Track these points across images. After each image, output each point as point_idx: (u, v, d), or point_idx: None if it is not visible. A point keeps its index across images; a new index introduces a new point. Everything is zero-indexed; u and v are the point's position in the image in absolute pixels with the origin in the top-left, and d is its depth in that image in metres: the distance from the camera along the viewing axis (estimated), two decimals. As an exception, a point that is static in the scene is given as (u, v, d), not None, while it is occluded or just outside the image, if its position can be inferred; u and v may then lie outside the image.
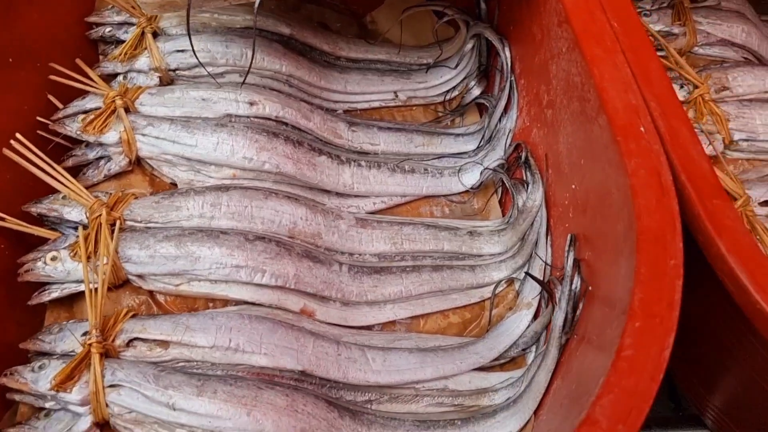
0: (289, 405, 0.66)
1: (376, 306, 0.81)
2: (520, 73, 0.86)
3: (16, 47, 0.83)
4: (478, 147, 0.93)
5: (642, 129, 0.56)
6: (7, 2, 0.81)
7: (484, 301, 0.83)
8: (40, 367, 0.65)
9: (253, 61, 0.90)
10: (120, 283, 0.74)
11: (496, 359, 0.78)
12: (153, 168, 0.84)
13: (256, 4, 0.71)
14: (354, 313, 0.80)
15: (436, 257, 0.85)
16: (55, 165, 0.76)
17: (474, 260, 0.85)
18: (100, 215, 0.74)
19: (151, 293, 0.76)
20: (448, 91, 0.99)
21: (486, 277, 0.84)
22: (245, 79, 0.85)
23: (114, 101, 0.83)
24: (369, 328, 0.81)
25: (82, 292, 0.73)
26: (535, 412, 0.70)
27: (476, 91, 0.97)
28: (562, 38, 0.68)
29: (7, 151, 0.75)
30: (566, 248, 0.70)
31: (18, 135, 0.76)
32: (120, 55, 0.90)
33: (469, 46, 0.95)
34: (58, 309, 0.75)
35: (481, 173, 0.90)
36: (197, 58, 0.84)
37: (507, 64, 0.88)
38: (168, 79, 0.91)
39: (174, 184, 0.84)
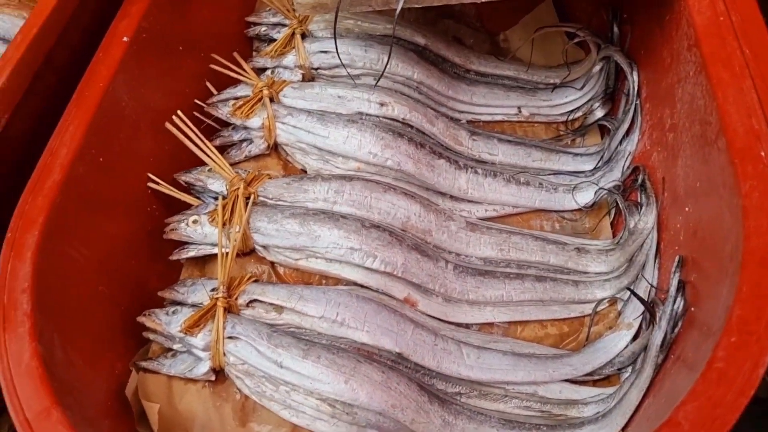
0: (383, 381, 0.71)
1: (476, 306, 0.84)
2: (646, 97, 0.87)
3: (186, 38, 0.95)
4: (595, 167, 0.94)
5: (762, 154, 0.56)
6: (182, 2, 0.93)
7: (584, 317, 0.84)
8: (173, 312, 0.74)
9: (388, 66, 0.97)
10: (247, 251, 0.83)
11: (589, 374, 0.78)
12: (287, 154, 0.93)
13: (397, 10, 0.77)
14: (454, 310, 0.83)
15: (541, 268, 0.87)
16: (206, 141, 0.86)
17: (578, 276, 0.86)
18: (238, 188, 0.83)
19: (272, 264, 0.83)
20: (571, 111, 1.01)
21: (589, 294, 0.85)
22: (378, 81, 0.91)
23: (261, 91, 0.92)
24: (467, 326, 0.84)
25: (215, 255, 0.82)
26: (623, 429, 0.70)
27: (600, 113, 0.98)
28: (691, 62, 0.69)
29: (168, 125, 0.86)
30: (672, 270, 0.70)
31: (179, 112, 0.86)
32: (271, 51, 1.00)
33: (598, 68, 0.97)
34: (192, 267, 0.85)
35: (595, 193, 0.91)
36: (339, 59, 0.92)
37: (634, 88, 0.89)
38: (310, 76, 1.00)
39: (304, 171, 0.92)
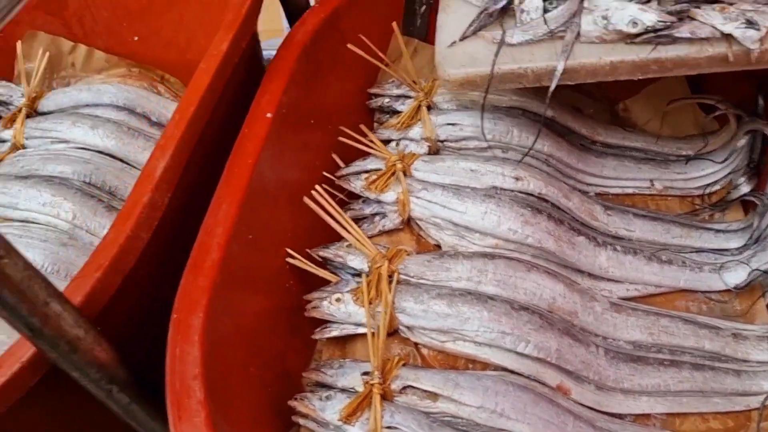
0: (550, 480, 0.66)
1: (631, 395, 0.79)
2: (805, 174, 0.83)
3: (316, 111, 0.95)
4: (744, 245, 0.89)
5: None
6: (318, 72, 0.94)
7: (750, 410, 0.78)
8: (327, 398, 0.71)
9: (518, 139, 0.96)
10: (391, 331, 0.80)
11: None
12: (421, 228, 0.90)
13: (551, 89, 0.76)
14: (608, 399, 0.78)
15: (696, 355, 0.82)
16: (345, 216, 0.84)
17: (739, 365, 0.81)
18: (381, 266, 0.80)
19: (416, 345, 0.80)
20: (709, 185, 0.97)
21: (754, 386, 0.79)
22: (523, 158, 0.89)
23: (395, 165, 0.91)
24: (621, 416, 0.78)
25: (357, 335, 0.79)
26: None
27: (745, 188, 0.94)
28: None
29: (306, 200, 0.84)
30: None
31: (317, 187, 0.85)
32: (397, 123, 0.99)
33: (743, 142, 0.93)
34: (332, 346, 0.82)
35: (749, 274, 0.86)
36: (484, 136, 0.89)
37: (788, 163, 0.85)
38: (436, 148, 0.98)
39: (438, 246, 0.90)
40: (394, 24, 0.97)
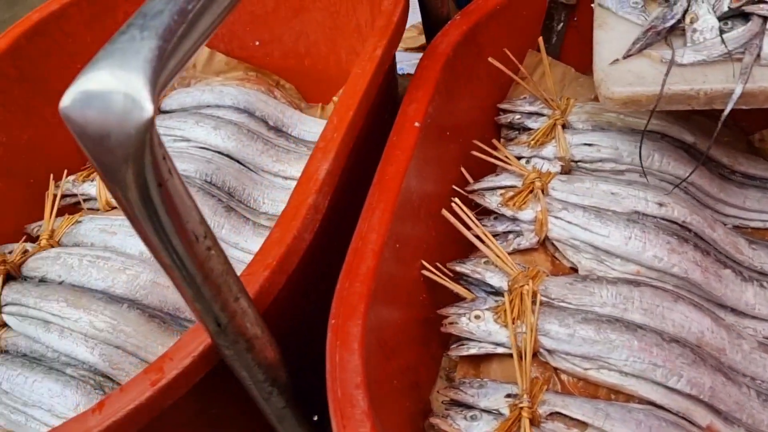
0: None
1: (786, 442, 0.74)
2: None
3: (451, 124, 0.93)
4: None
5: None
6: (456, 85, 0.92)
7: None
8: (473, 418, 0.68)
9: (659, 164, 0.92)
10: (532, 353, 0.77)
11: None
12: (557, 249, 0.87)
13: (725, 114, 0.72)
14: (762, 444, 0.74)
15: None
16: (485, 231, 0.82)
17: None
18: (524, 285, 0.78)
19: (555, 370, 0.77)
20: None
21: None
22: (674, 188, 0.86)
23: (533, 182, 0.88)
24: (774, 465, 0.73)
25: (493, 354, 0.77)
26: None
27: None
28: None
29: (445, 212, 0.83)
30: None
31: (457, 200, 0.83)
32: (530, 140, 0.97)
33: None
34: (466, 364, 0.80)
35: None
36: (641, 162, 0.87)
37: None
38: (568, 168, 0.95)
39: (573, 269, 0.86)
40: (540, 39, 0.95)
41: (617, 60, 0.76)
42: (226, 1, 0.45)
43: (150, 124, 0.37)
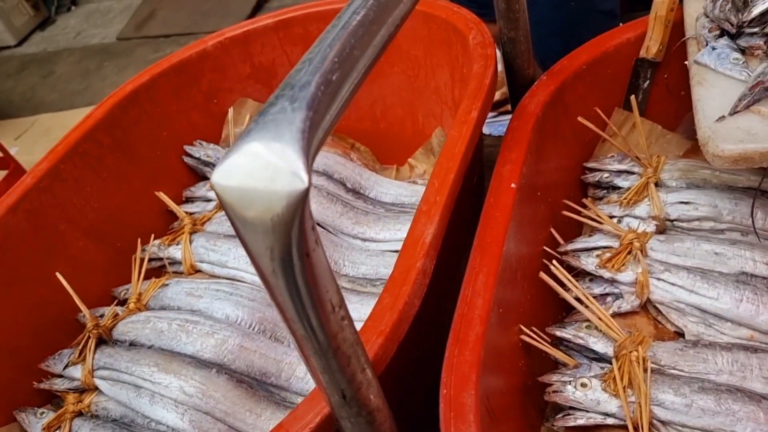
0: None
1: None
2: None
3: (541, 183, 0.92)
4: None
5: None
6: (545, 144, 0.91)
7: None
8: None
9: (763, 222, 0.88)
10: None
11: None
12: (660, 312, 0.84)
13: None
14: None
15: None
16: (586, 294, 0.80)
17: None
18: (632, 351, 0.74)
19: (671, 444, 0.72)
20: None
21: None
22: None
23: (632, 243, 0.85)
24: None
25: (601, 426, 0.73)
26: None
27: None
28: None
29: (543, 275, 0.81)
30: None
31: (554, 262, 0.81)
32: (623, 200, 0.94)
33: None
34: (572, 437, 0.76)
35: None
36: (753, 221, 0.83)
37: None
38: (663, 227, 0.92)
39: (678, 333, 0.82)
40: (632, 98, 0.94)
41: (723, 117, 0.74)
42: (363, 68, 0.45)
43: (305, 195, 0.37)
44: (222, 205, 0.39)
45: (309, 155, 0.38)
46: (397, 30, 0.50)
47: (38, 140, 2.65)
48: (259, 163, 0.38)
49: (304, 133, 0.38)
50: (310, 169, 0.37)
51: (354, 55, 0.44)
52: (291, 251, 0.39)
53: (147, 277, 1.07)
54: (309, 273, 0.40)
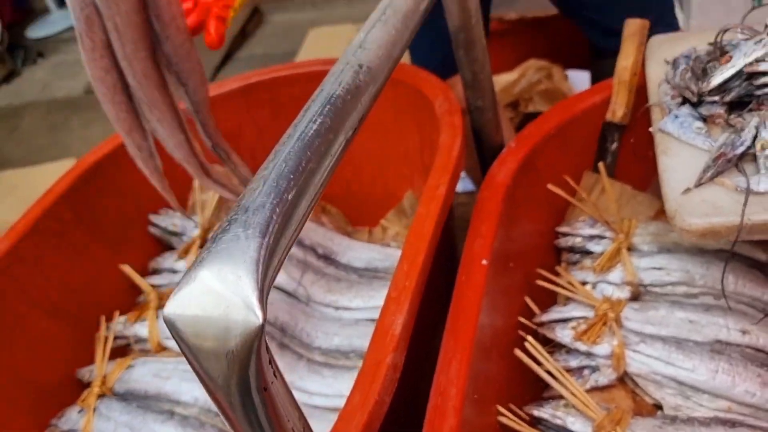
0: None
1: None
2: None
3: (513, 253, 0.91)
4: None
5: None
6: (516, 213, 0.91)
7: None
8: None
9: (734, 286, 0.88)
10: None
11: None
12: (637, 385, 0.82)
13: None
14: None
15: None
16: (561, 371, 0.78)
17: None
18: (610, 431, 0.72)
19: None
20: None
21: None
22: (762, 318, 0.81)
23: (606, 314, 0.84)
24: None
25: None
26: None
27: None
28: None
29: (518, 352, 0.79)
30: None
31: (529, 337, 0.80)
32: (596, 266, 0.94)
33: None
34: None
35: None
36: (723, 289, 0.83)
37: None
38: (638, 293, 0.91)
39: (656, 406, 0.81)
40: (601, 165, 0.94)
41: (689, 189, 0.74)
42: (321, 180, 0.44)
43: (260, 330, 0.35)
44: (175, 339, 0.37)
45: (264, 287, 0.36)
46: (356, 132, 0.49)
47: (4, 199, 2.59)
48: (212, 296, 0.36)
49: (258, 263, 0.36)
50: (265, 303, 0.36)
51: (311, 169, 0.42)
52: (249, 387, 0.37)
53: (114, 355, 1.03)
54: (269, 406, 0.38)
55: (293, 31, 3.03)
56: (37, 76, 3.55)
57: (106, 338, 1.04)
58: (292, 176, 0.41)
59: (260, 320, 0.35)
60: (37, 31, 3.79)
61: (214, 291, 0.36)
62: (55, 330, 1.02)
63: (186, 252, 1.17)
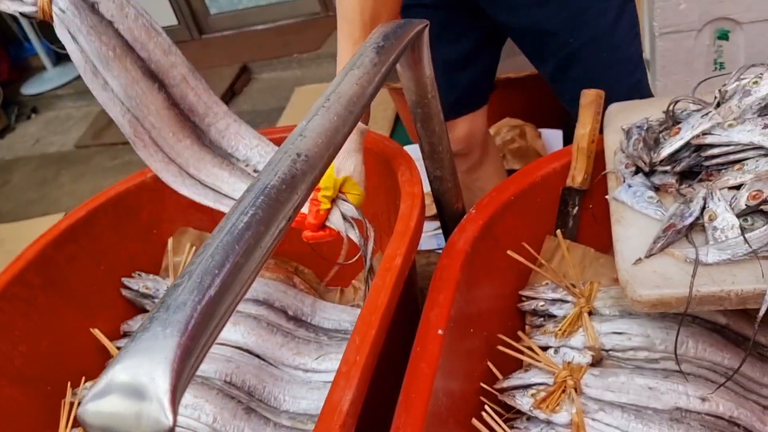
0: None
1: None
2: None
3: (474, 319, 0.91)
4: None
5: None
6: (476, 279, 0.92)
7: None
8: None
9: (694, 351, 0.88)
10: None
11: None
12: (599, 454, 0.82)
13: (761, 313, 0.70)
14: None
15: None
16: (520, 442, 0.78)
17: None
18: (567, 506, 0.72)
19: None
20: None
21: None
22: (722, 385, 0.81)
23: (565, 381, 0.85)
24: None
25: None
26: None
27: None
28: None
29: (476, 422, 0.79)
30: None
31: (488, 407, 0.80)
32: (557, 331, 0.94)
33: None
34: None
35: None
36: (676, 357, 0.84)
37: None
38: (599, 357, 0.92)
39: (617, 476, 0.81)
40: (559, 232, 0.96)
41: (640, 259, 0.75)
42: (249, 274, 0.45)
43: (170, 434, 0.36)
44: (89, 439, 0.38)
45: (178, 388, 0.37)
46: (290, 222, 0.50)
47: (-8, 253, 2.60)
48: (126, 396, 0.37)
49: (173, 364, 0.37)
50: (176, 406, 0.36)
51: (238, 264, 0.43)
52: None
53: (77, 424, 1.03)
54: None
55: (280, 89, 3.10)
56: (30, 131, 3.60)
57: (72, 404, 1.03)
58: (217, 272, 0.42)
59: (170, 423, 0.36)
60: (32, 88, 3.86)
61: (128, 391, 0.36)
62: (19, 397, 1.02)
63: (157, 315, 1.17)
